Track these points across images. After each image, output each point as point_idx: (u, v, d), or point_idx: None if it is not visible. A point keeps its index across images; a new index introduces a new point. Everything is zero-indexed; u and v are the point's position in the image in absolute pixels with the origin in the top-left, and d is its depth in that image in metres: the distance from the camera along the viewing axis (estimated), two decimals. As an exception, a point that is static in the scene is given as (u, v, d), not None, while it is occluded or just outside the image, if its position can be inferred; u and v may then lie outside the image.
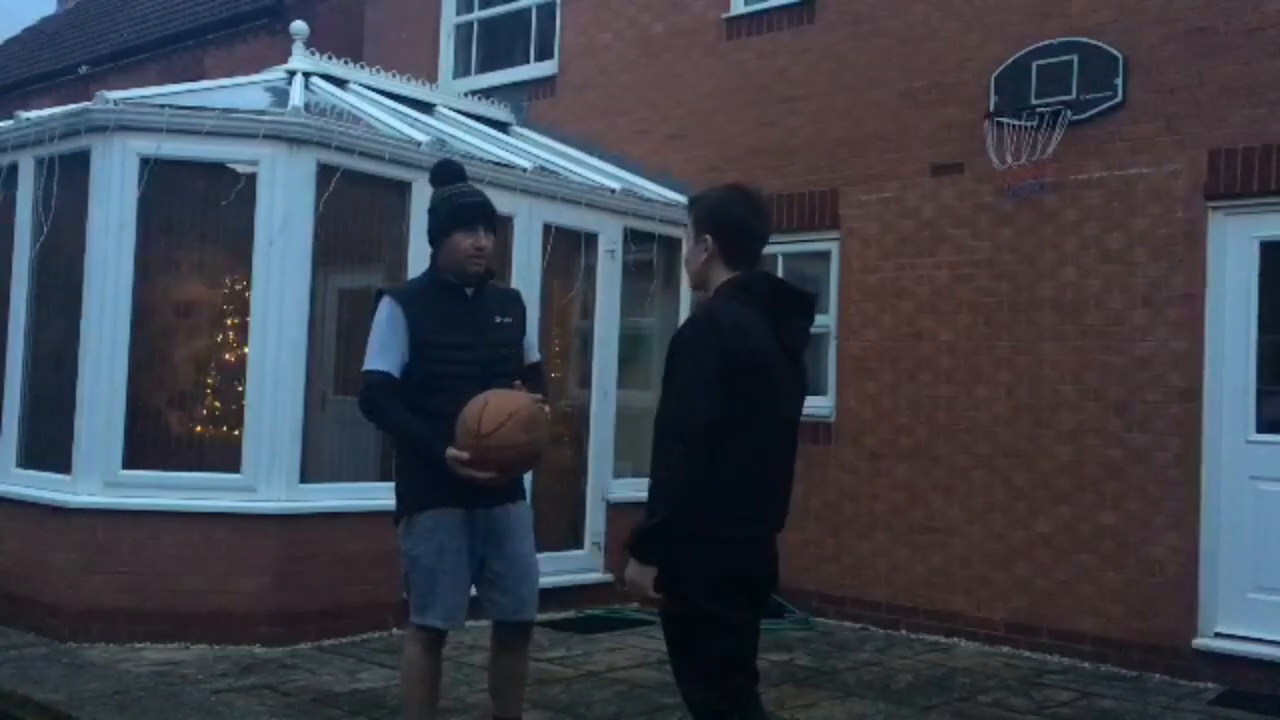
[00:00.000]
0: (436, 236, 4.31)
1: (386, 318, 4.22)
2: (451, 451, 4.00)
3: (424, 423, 4.14)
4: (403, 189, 7.29)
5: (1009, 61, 7.46)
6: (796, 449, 3.67)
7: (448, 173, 4.48)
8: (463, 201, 4.30)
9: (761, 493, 3.46)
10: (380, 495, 7.04)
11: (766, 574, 3.52)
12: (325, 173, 6.84)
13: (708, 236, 3.50)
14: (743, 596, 3.41)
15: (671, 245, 8.98)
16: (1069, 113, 7.15)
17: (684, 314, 9.01)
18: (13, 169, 7.31)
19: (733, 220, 3.50)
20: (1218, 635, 6.59)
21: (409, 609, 4.33)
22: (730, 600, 3.35)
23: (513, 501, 4.43)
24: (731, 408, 3.27)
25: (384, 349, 4.20)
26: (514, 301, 4.53)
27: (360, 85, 8.70)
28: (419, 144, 7.38)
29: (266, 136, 6.74)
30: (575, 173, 8.63)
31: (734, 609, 3.37)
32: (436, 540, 4.22)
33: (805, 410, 8.57)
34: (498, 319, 4.38)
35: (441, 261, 4.31)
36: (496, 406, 4.02)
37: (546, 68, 10.14)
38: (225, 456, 6.76)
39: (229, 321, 7.08)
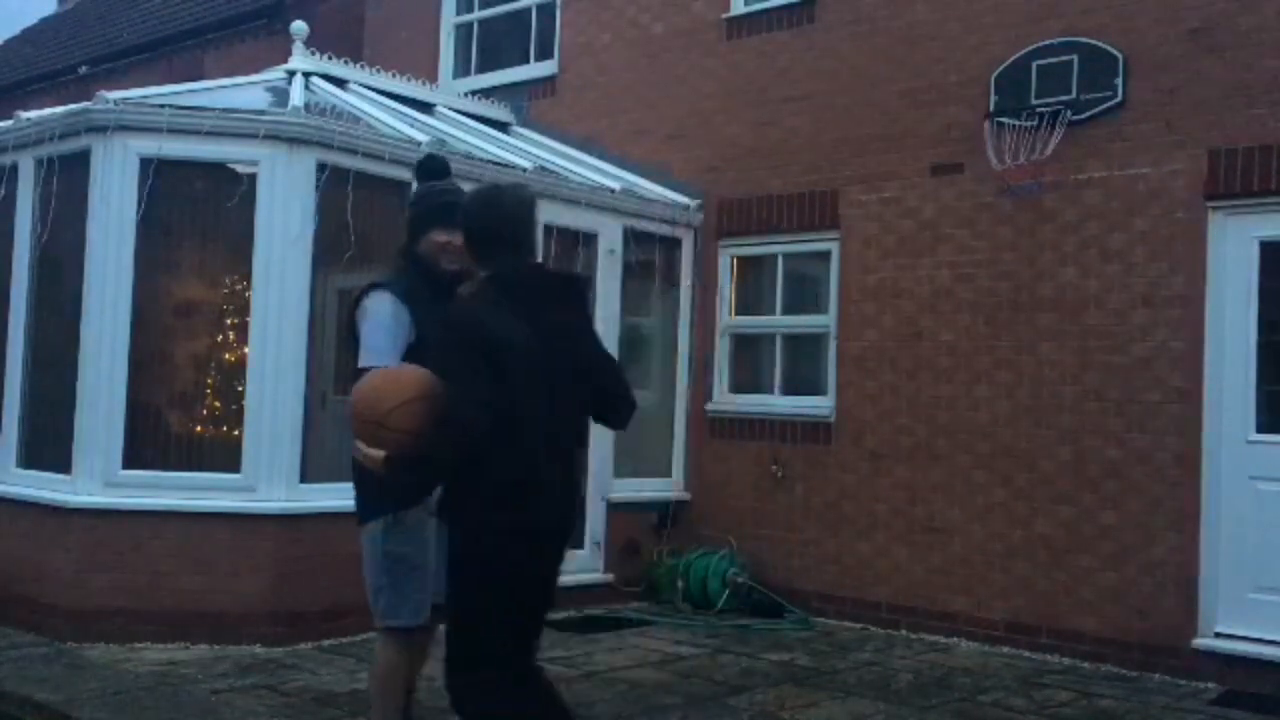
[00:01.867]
0: (416, 231, 4.28)
1: (391, 315, 4.13)
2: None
3: None
4: (403, 189, 7.27)
5: (1009, 61, 7.46)
6: (582, 435, 3.83)
7: (434, 167, 4.47)
8: (445, 199, 4.25)
9: (533, 480, 3.58)
10: (380, 495, 7.07)
11: (542, 563, 3.69)
12: (325, 172, 6.84)
13: (460, 237, 3.75)
14: (516, 585, 3.60)
15: (671, 245, 8.98)
16: (1069, 113, 7.15)
17: (684, 314, 9.03)
18: (13, 169, 7.31)
19: (475, 221, 3.71)
20: (1218, 635, 6.58)
21: (376, 611, 4.27)
22: (501, 589, 3.57)
23: None
24: (496, 394, 3.46)
25: (386, 347, 4.09)
26: None
27: (360, 85, 8.70)
28: (419, 144, 7.38)
29: (266, 136, 6.74)
30: (575, 173, 8.63)
31: (504, 597, 3.58)
32: (422, 537, 4.18)
33: (805, 410, 8.59)
34: None
35: (420, 255, 4.27)
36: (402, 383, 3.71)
37: (546, 68, 10.14)
38: (225, 456, 6.76)
39: (229, 321, 7.08)
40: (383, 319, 4.13)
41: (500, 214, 3.72)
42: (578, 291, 3.80)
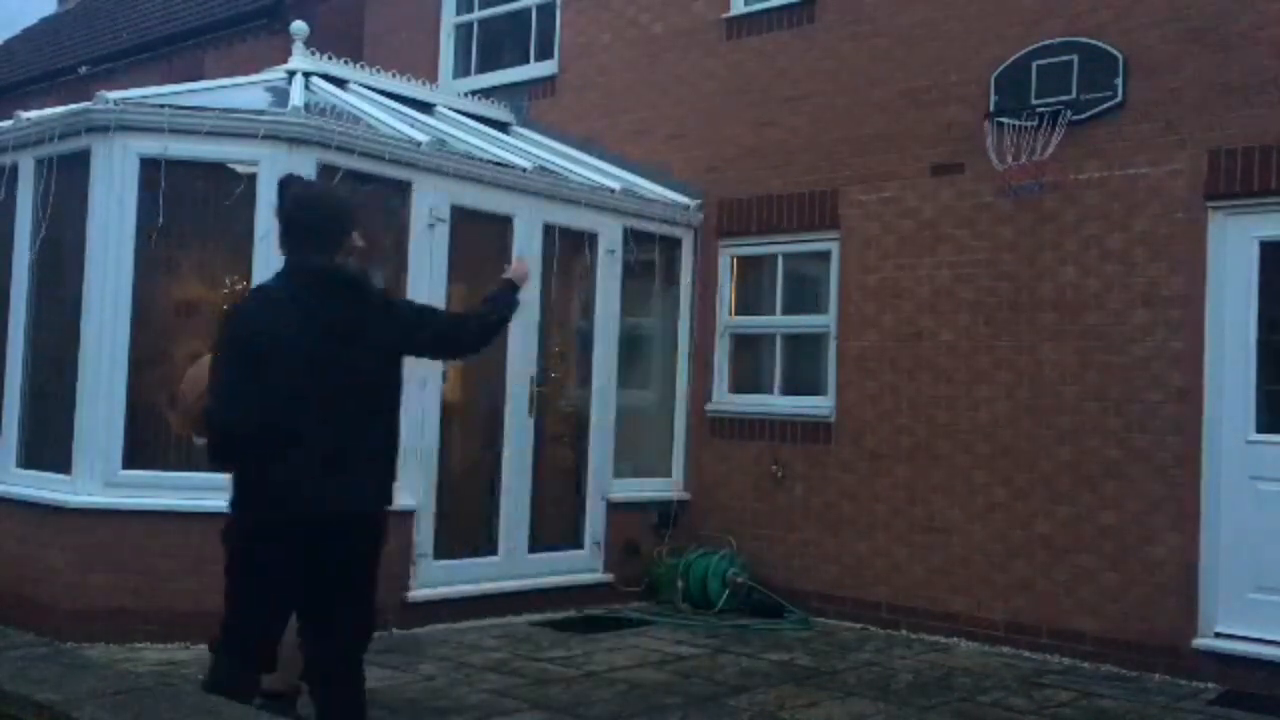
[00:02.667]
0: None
1: None
2: None
3: None
4: (403, 189, 7.29)
5: (1009, 61, 7.46)
6: (372, 424, 3.85)
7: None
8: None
9: (306, 469, 3.68)
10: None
11: (326, 551, 3.76)
12: (325, 172, 6.84)
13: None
14: (270, 575, 3.76)
15: (672, 245, 8.98)
16: (1069, 113, 7.15)
17: (684, 314, 9.03)
18: (13, 169, 7.31)
19: (283, 214, 3.88)
20: (1218, 635, 6.58)
21: None
22: (260, 575, 3.78)
23: None
24: (257, 388, 3.63)
25: None
26: None
27: (360, 85, 8.69)
28: (419, 144, 7.38)
29: (266, 136, 6.74)
30: (575, 173, 8.63)
31: (261, 585, 3.77)
32: None
33: (805, 410, 8.59)
34: None
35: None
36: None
37: (546, 68, 10.13)
38: (225, 456, 6.74)
39: (229, 321, 7.06)
40: None
41: (310, 212, 3.89)
42: (352, 286, 3.88)
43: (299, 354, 3.67)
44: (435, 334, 4.15)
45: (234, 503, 3.85)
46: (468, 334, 4.27)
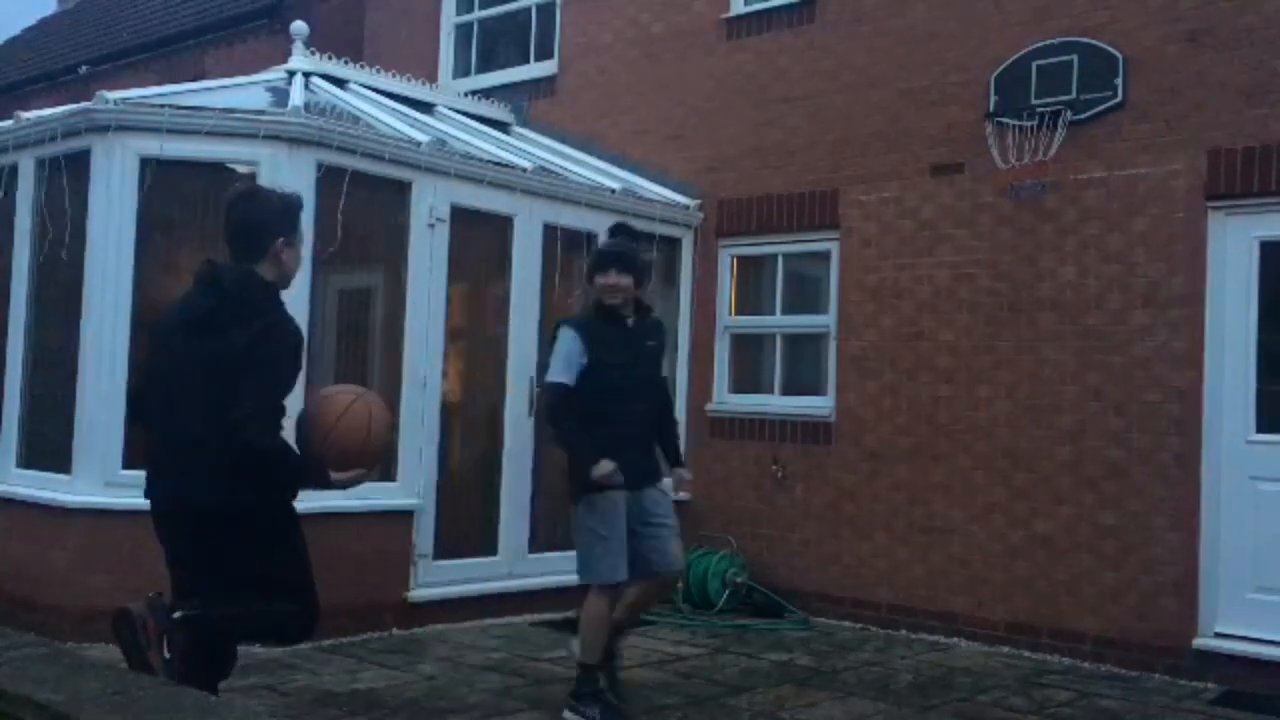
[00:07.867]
0: (589, 275, 5.63)
1: (569, 341, 5.38)
2: (605, 466, 5.22)
3: (588, 422, 5.30)
4: (403, 189, 7.29)
5: (1009, 61, 7.46)
6: (207, 416, 3.86)
7: (616, 229, 5.99)
8: (610, 249, 5.67)
9: (159, 454, 4.03)
10: (380, 495, 7.08)
11: (171, 540, 4.13)
12: (325, 173, 6.84)
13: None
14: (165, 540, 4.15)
15: (672, 245, 8.98)
16: (1069, 113, 7.15)
17: (684, 313, 9.02)
18: (13, 169, 7.31)
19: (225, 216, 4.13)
20: (1218, 635, 6.59)
21: (588, 574, 5.38)
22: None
23: (654, 484, 5.67)
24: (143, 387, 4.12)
25: (567, 366, 5.35)
26: (659, 330, 5.79)
27: (360, 85, 8.69)
28: (419, 144, 7.38)
29: (266, 136, 6.73)
30: (575, 173, 8.63)
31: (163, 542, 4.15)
32: (607, 515, 5.30)
33: (805, 410, 8.62)
34: (649, 343, 5.63)
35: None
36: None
37: (546, 68, 10.13)
38: (225, 456, 6.74)
39: (229, 321, 7.06)
40: (562, 347, 5.41)
41: (234, 213, 4.09)
42: (214, 282, 4.01)
43: (162, 347, 3.99)
44: (242, 409, 3.85)
45: None
46: (242, 441, 3.90)
